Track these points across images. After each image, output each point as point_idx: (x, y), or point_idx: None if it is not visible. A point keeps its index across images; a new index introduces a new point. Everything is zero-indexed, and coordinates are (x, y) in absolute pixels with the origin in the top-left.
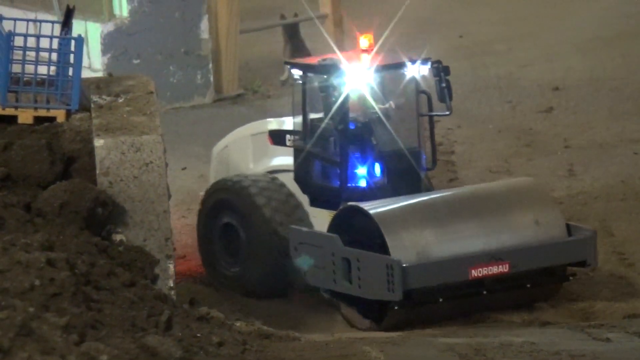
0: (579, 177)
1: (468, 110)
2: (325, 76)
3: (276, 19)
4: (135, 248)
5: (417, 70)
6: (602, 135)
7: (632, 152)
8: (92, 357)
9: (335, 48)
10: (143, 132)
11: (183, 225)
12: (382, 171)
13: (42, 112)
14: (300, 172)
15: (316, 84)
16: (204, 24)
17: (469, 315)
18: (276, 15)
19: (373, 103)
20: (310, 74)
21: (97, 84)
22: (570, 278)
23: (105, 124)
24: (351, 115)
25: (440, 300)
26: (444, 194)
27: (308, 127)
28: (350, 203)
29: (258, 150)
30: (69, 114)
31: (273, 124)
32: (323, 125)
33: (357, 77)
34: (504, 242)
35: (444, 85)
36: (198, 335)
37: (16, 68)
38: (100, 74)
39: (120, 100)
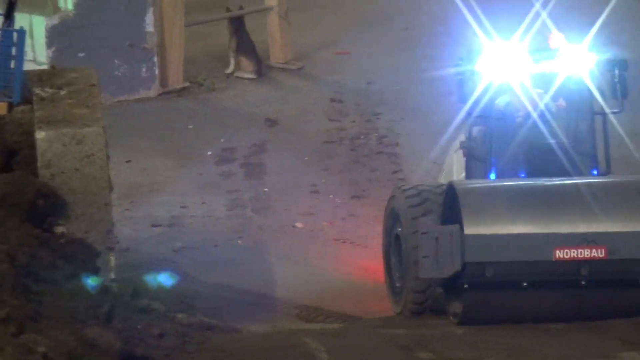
0: None
1: (412, 102)
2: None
3: (221, 12)
4: (77, 240)
5: (587, 62)
6: None
7: None
8: (29, 348)
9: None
10: (85, 125)
11: (126, 218)
12: (531, 171)
13: None
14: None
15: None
16: (149, 17)
17: (565, 315)
18: (221, 9)
19: (534, 95)
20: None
21: (40, 77)
22: None
23: (47, 116)
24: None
25: (525, 284)
26: (557, 181)
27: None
28: (450, 181)
29: (460, 166)
30: (11, 106)
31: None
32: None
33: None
34: (603, 225)
35: (617, 80)
36: (138, 327)
37: None
38: (45, 67)
39: (63, 93)
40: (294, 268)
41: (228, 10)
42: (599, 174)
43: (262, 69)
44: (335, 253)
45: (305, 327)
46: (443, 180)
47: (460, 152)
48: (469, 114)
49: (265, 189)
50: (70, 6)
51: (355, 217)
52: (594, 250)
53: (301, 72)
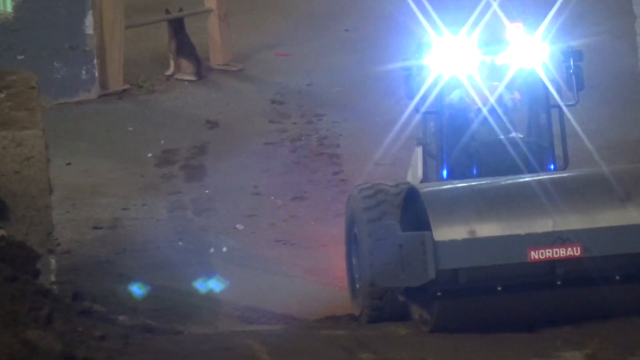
0: None
1: (353, 104)
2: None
3: (161, 14)
4: (17, 243)
5: (541, 53)
6: None
7: None
8: None
9: None
10: (24, 127)
11: (67, 220)
12: (484, 166)
13: None
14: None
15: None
16: (89, 20)
17: (541, 316)
18: (161, 11)
19: (485, 90)
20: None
21: None
22: None
23: None
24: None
25: (499, 289)
26: (522, 179)
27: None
28: (410, 185)
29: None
30: None
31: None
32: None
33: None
34: (576, 223)
35: (572, 72)
36: (79, 329)
37: None
38: None
39: (2, 96)
40: (235, 269)
41: (168, 12)
42: (556, 169)
43: (203, 70)
44: (276, 254)
45: (247, 329)
46: (410, 176)
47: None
48: (416, 110)
49: (206, 191)
50: (9, 9)
51: (297, 219)
52: (569, 248)
53: (241, 73)
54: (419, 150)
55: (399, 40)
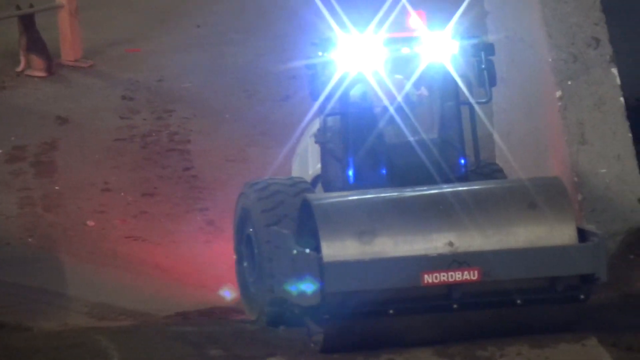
0: None
1: (204, 100)
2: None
3: (11, 9)
4: None
5: (450, 48)
6: None
7: None
8: None
9: None
10: None
11: None
12: (392, 168)
13: None
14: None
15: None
16: None
17: (435, 338)
18: (11, 6)
19: (389, 84)
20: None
21: None
22: (582, 297)
23: None
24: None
25: (391, 312)
26: (424, 191)
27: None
28: (306, 195)
29: (316, 155)
30: None
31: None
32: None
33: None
34: (475, 244)
35: (483, 67)
36: None
37: None
38: None
39: None
40: (85, 266)
41: (18, 8)
42: (466, 164)
43: (53, 67)
44: (126, 251)
45: (96, 325)
46: (296, 166)
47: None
48: (321, 110)
49: (57, 187)
50: None
51: (147, 215)
52: (465, 272)
53: (92, 69)
54: (310, 143)
55: (252, 36)
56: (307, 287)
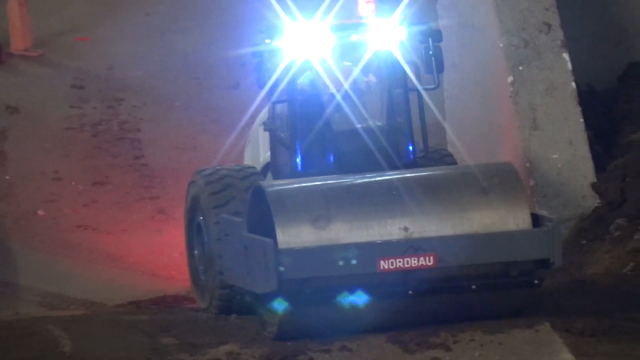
0: None
1: (154, 88)
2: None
3: None
4: None
5: (397, 35)
6: None
7: None
8: None
9: None
10: None
11: None
12: (340, 155)
13: None
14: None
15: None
16: None
17: (391, 324)
18: None
19: (336, 72)
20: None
21: None
22: (536, 282)
23: None
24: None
25: (347, 298)
26: (378, 177)
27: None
28: (258, 182)
29: (266, 142)
30: None
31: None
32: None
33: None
34: (430, 230)
35: (431, 53)
36: None
37: None
38: None
39: None
40: (36, 255)
41: None
42: (414, 151)
43: (3, 56)
44: (78, 240)
45: (48, 314)
46: (248, 154)
47: None
48: (268, 98)
49: (7, 177)
50: None
51: (98, 204)
52: (421, 258)
53: (42, 58)
54: (259, 131)
55: (202, 24)
56: (262, 274)
